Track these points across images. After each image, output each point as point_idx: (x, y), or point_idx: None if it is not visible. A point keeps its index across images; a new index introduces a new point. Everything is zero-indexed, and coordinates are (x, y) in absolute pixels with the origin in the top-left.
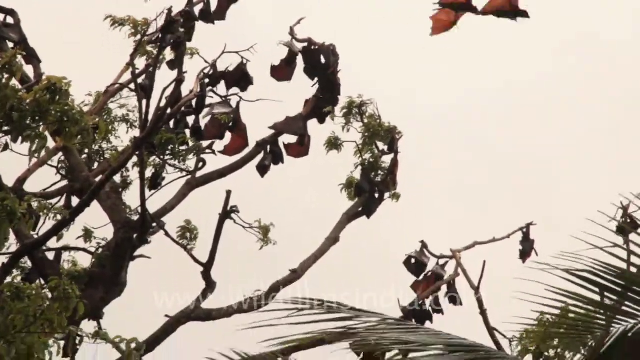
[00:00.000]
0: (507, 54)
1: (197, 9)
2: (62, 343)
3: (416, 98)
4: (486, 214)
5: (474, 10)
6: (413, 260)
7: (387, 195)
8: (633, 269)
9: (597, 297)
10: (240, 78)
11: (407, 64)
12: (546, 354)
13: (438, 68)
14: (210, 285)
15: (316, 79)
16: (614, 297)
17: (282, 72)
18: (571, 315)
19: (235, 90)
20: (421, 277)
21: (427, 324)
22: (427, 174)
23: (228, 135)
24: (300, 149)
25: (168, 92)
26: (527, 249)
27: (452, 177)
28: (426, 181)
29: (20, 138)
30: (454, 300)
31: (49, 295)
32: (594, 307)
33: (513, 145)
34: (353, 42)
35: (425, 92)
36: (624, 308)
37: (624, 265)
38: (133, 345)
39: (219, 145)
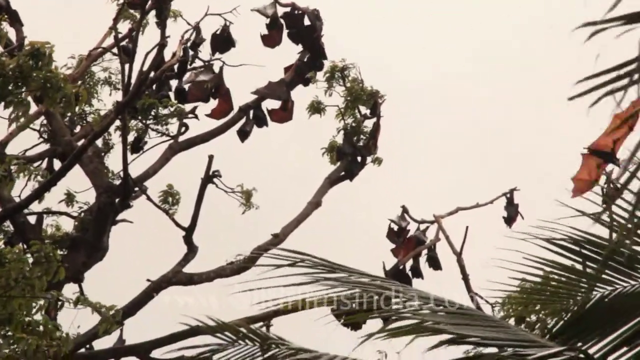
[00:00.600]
0: (488, 20)
1: None
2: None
3: (399, 66)
4: (470, 180)
5: (616, 162)
6: (394, 226)
7: (369, 159)
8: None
9: (579, 265)
10: (223, 40)
11: (390, 32)
12: (528, 319)
13: (421, 37)
14: (192, 250)
15: (300, 43)
16: (594, 265)
17: (272, 39)
18: (553, 282)
19: (218, 55)
20: (402, 242)
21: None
22: (411, 139)
23: (212, 99)
24: (284, 114)
25: (151, 56)
26: (512, 214)
27: (435, 142)
28: (409, 146)
29: (2, 103)
30: (435, 264)
31: (30, 259)
32: (575, 275)
33: (496, 112)
34: (336, 10)
35: (408, 60)
36: (603, 276)
37: (607, 233)
38: (112, 313)
39: (202, 109)
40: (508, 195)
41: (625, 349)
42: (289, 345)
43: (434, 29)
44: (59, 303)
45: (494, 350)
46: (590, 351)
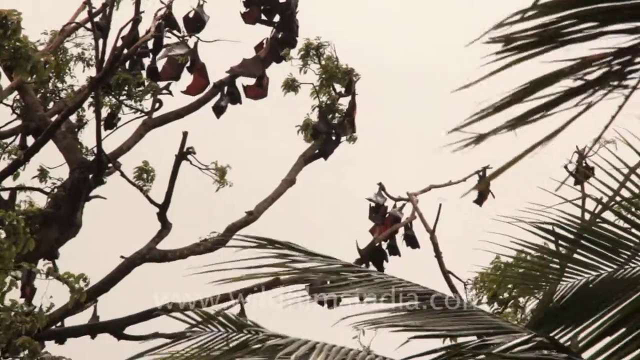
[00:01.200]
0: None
1: None
2: (18, 283)
3: (374, 44)
4: (444, 158)
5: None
6: (371, 203)
7: (344, 137)
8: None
9: (552, 245)
10: (194, 21)
11: (367, 9)
12: (501, 297)
13: (399, 14)
14: (165, 227)
15: (275, 19)
16: (568, 246)
17: (252, 15)
18: (526, 260)
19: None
20: (379, 220)
21: (384, 264)
22: (385, 118)
23: (187, 76)
24: (259, 90)
25: (125, 32)
26: (483, 191)
27: (410, 120)
28: (384, 124)
29: None
30: (412, 243)
31: (2, 234)
32: (548, 255)
33: (473, 90)
34: None
35: (384, 38)
36: (579, 257)
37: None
38: (82, 283)
39: (176, 85)
40: (480, 174)
41: (609, 338)
42: (262, 331)
43: (412, 5)
44: (32, 276)
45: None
46: (578, 338)
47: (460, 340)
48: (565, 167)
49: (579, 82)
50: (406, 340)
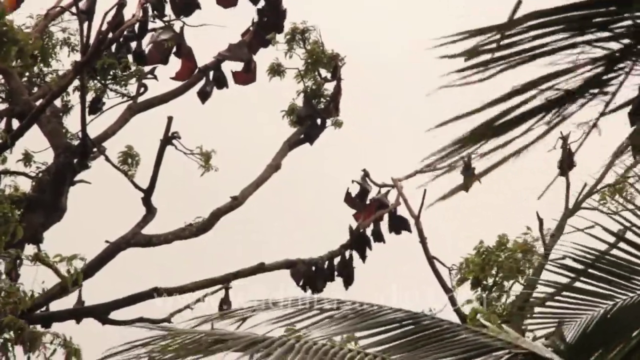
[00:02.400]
0: None
1: None
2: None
3: (360, 30)
4: (429, 144)
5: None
6: (355, 189)
7: (329, 122)
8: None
9: (536, 231)
10: (183, 3)
11: (365, 8)
12: (484, 282)
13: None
14: (150, 211)
15: (260, 3)
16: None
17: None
18: (509, 245)
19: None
20: (363, 206)
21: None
22: (370, 103)
23: (175, 61)
24: (247, 75)
25: (110, 16)
26: (468, 178)
27: (395, 106)
28: (369, 110)
29: None
30: (397, 229)
31: None
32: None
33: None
34: None
35: (371, 24)
36: (603, 291)
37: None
38: (75, 264)
39: (163, 70)
40: (466, 160)
41: None
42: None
43: (408, 2)
44: (19, 261)
45: None
46: None
47: None
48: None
49: (558, 93)
50: None
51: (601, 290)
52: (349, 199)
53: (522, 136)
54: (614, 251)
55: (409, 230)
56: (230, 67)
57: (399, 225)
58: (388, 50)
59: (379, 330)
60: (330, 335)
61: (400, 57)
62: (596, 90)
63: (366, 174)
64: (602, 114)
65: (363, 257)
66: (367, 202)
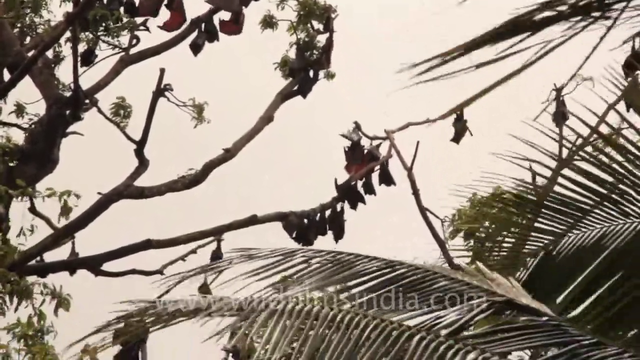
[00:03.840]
0: None
1: None
2: None
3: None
4: (421, 96)
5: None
6: (346, 141)
7: (321, 74)
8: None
9: (528, 177)
10: None
11: None
12: (477, 234)
13: None
14: (143, 163)
15: None
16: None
17: None
18: (504, 195)
19: None
20: (354, 158)
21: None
22: (363, 55)
23: (165, 12)
24: (234, 26)
25: None
26: (460, 129)
27: (388, 57)
28: (362, 62)
29: None
30: (387, 181)
31: None
32: (525, 192)
33: (449, 28)
34: None
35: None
36: (554, 229)
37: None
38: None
39: (154, 21)
40: (457, 112)
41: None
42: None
43: None
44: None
45: None
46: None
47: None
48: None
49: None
50: None
51: (551, 228)
52: (347, 155)
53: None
54: (566, 191)
55: (393, 184)
56: (219, 17)
57: (389, 177)
58: (381, 1)
59: (356, 282)
60: (306, 289)
61: (394, 8)
62: (598, 14)
63: (358, 126)
64: (603, 37)
65: (354, 207)
66: (359, 154)
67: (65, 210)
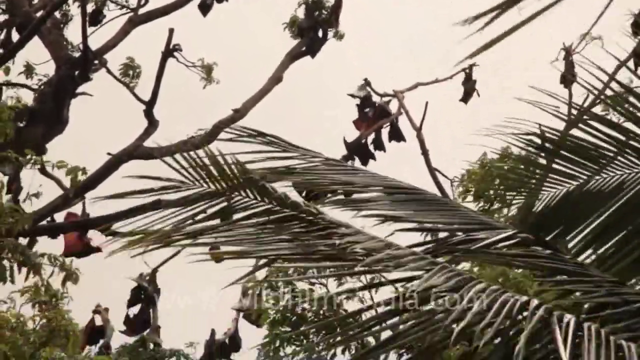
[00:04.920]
0: None
1: None
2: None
3: None
4: (430, 56)
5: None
6: (356, 98)
7: (330, 34)
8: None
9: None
10: None
11: None
12: (486, 193)
13: None
14: (152, 124)
15: None
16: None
17: None
18: (512, 156)
19: None
20: (364, 115)
21: (370, 162)
22: (372, 14)
23: None
24: None
25: None
26: (469, 89)
27: (397, 17)
28: (370, 21)
29: None
30: (397, 137)
31: None
32: (533, 153)
33: None
34: None
35: None
36: (568, 171)
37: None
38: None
39: None
40: (467, 71)
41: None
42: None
43: None
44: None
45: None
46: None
47: (444, 235)
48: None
49: None
50: (391, 233)
51: (566, 170)
52: (361, 113)
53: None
54: (581, 134)
55: (403, 140)
56: None
57: (399, 134)
58: None
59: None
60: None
61: None
62: None
63: (367, 83)
64: None
65: (365, 164)
66: (369, 111)
67: (75, 184)
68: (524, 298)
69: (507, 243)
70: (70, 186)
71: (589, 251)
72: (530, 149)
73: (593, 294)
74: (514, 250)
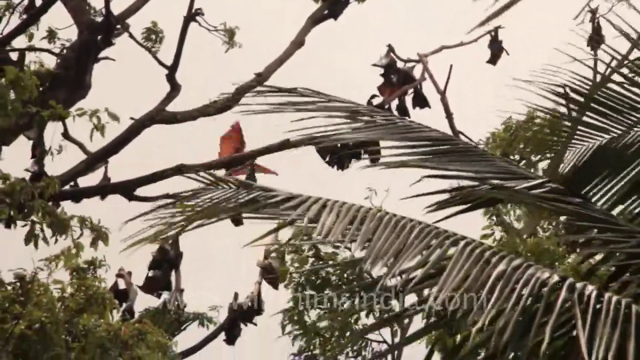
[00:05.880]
0: None
1: None
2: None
3: None
4: (455, 19)
5: None
6: (379, 64)
7: None
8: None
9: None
10: None
11: None
12: (512, 157)
13: None
14: (175, 88)
15: None
16: (577, 108)
17: None
18: (537, 120)
19: None
20: (388, 81)
21: None
22: None
23: None
24: None
25: None
26: (495, 51)
27: None
28: None
29: None
30: (421, 103)
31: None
32: (559, 116)
33: None
34: None
35: None
36: (589, 120)
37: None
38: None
39: None
40: (492, 33)
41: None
42: (273, 191)
43: None
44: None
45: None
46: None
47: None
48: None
49: None
50: (419, 179)
51: (598, 123)
52: (387, 78)
53: None
54: (614, 86)
55: (428, 106)
56: None
57: (424, 99)
58: None
59: (415, 143)
60: (365, 137)
61: None
62: None
63: (391, 49)
64: None
65: None
66: (393, 77)
67: (98, 128)
68: (546, 274)
69: (537, 191)
70: (94, 130)
71: (619, 207)
72: (559, 100)
73: (623, 245)
74: (545, 194)
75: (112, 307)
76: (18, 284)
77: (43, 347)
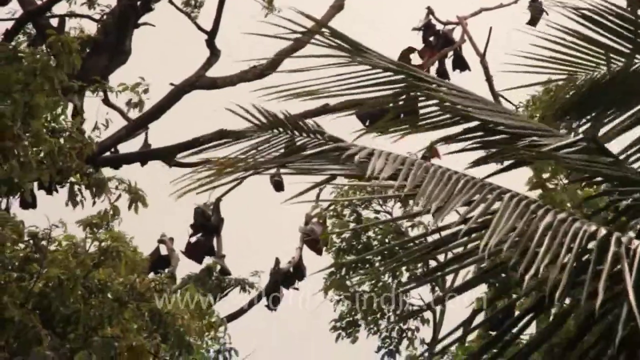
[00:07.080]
0: None
1: None
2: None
3: None
4: None
5: None
6: (421, 27)
7: None
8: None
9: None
10: None
11: None
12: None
13: None
14: (214, 54)
15: None
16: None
17: None
18: (577, 77)
19: None
20: (428, 44)
21: None
22: None
23: None
24: None
25: None
26: (536, 13)
27: None
28: None
29: None
30: (461, 65)
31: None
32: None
33: None
34: None
35: None
36: (622, 49)
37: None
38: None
39: None
40: None
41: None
42: (324, 135)
43: None
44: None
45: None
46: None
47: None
48: None
49: None
50: (461, 135)
51: (615, 45)
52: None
53: None
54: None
55: (468, 69)
56: None
57: (464, 62)
58: None
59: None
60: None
61: None
62: None
63: (430, 12)
64: None
65: None
66: (432, 40)
67: (138, 103)
68: (593, 227)
69: (569, 150)
70: (130, 103)
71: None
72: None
73: None
74: (577, 155)
75: (127, 260)
76: (31, 241)
77: (62, 303)
